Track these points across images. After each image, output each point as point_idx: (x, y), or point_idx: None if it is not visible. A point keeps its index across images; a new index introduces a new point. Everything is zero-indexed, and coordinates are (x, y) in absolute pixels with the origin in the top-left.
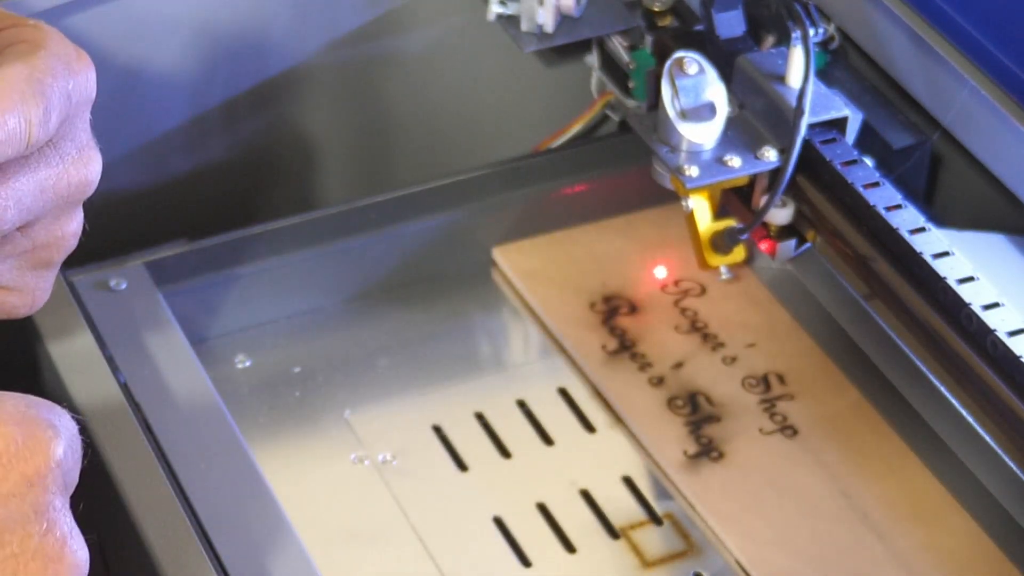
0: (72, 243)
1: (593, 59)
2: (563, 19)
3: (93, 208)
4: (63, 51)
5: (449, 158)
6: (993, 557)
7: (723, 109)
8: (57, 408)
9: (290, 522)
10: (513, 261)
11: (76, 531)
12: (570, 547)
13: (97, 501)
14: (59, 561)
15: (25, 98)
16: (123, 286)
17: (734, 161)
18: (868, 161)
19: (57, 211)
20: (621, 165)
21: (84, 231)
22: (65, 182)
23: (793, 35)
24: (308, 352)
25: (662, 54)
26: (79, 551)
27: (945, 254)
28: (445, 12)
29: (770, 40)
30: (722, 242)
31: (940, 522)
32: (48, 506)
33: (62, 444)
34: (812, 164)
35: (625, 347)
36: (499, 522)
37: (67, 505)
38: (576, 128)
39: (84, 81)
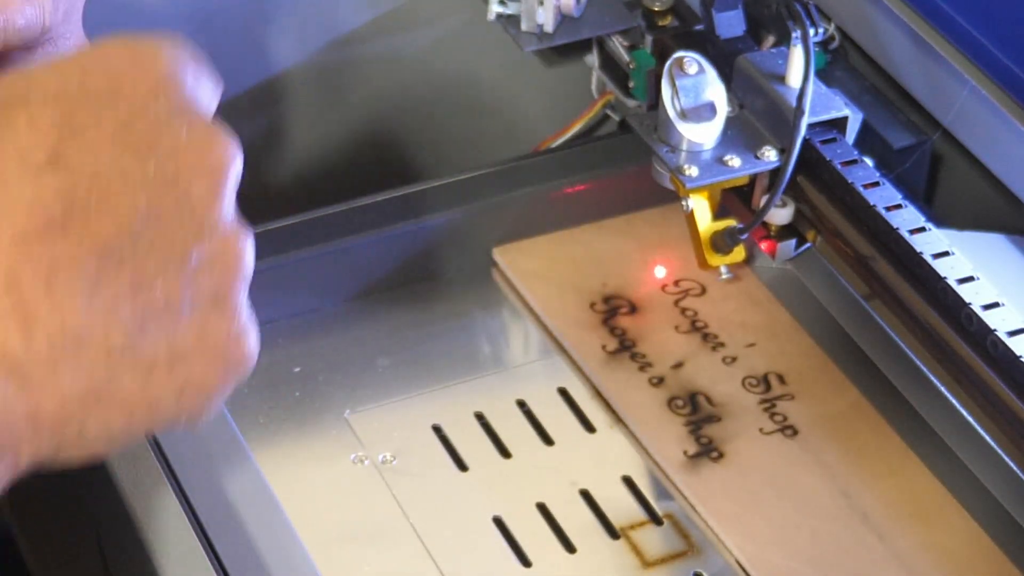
0: None
1: (593, 59)
2: (563, 19)
3: None
4: None
5: (449, 158)
6: (993, 557)
7: (723, 109)
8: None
9: (290, 522)
10: (513, 261)
11: (217, 128)
12: (570, 547)
13: (97, 501)
14: (211, 150)
15: None
16: None
17: (734, 161)
18: (868, 161)
19: None
20: (621, 165)
21: None
22: None
23: (793, 35)
24: (308, 352)
25: (662, 54)
26: (225, 141)
27: (945, 254)
28: (445, 12)
29: (770, 40)
30: (722, 242)
31: (940, 522)
32: (182, 106)
33: (167, 57)
34: (812, 164)
35: (625, 347)
36: (499, 522)
37: (209, 103)
38: (576, 128)
39: None
